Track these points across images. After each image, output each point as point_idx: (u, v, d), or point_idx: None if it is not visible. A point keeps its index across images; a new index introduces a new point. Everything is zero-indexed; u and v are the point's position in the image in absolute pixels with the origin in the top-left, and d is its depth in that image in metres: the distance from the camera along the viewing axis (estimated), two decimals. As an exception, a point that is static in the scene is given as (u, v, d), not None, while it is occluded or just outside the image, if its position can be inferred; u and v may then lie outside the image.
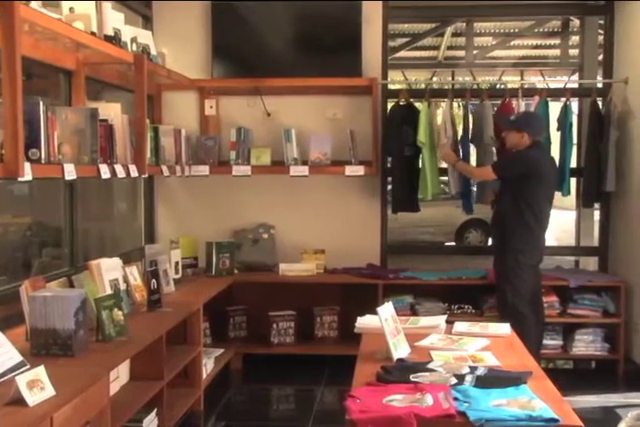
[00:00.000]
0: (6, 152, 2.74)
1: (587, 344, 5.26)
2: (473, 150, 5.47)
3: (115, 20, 3.93)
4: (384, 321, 2.87)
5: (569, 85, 5.89)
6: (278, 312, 5.35)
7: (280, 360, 5.31)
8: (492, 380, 2.51)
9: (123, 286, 3.87)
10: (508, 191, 4.83)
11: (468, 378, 2.52)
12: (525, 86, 5.56)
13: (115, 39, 3.87)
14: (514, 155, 4.86)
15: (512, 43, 11.11)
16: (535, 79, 11.31)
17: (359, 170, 5.25)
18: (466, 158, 5.33)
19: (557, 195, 5.35)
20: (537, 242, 4.85)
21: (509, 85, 5.68)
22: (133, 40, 4.28)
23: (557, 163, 5.33)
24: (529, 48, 11.60)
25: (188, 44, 5.59)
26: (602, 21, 5.97)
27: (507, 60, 12.17)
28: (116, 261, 3.90)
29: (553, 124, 5.33)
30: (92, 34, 3.63)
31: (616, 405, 4.57)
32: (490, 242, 5.09)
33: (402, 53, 10.79)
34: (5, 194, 4.05)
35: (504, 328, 3.39)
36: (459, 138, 5.39)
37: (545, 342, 5.21)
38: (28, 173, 2.83)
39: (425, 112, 5.31)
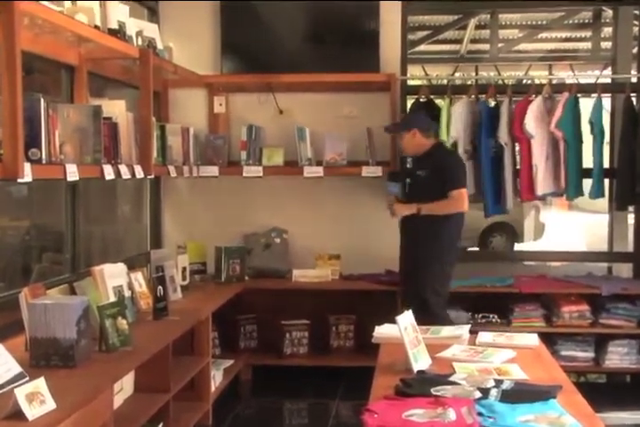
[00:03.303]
0: (5, 152, 2.76)
1: (621, 357, 5.21)
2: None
3: (119, 12, 3.95)
4: (403, 331, 2.86)
5: (600, 80, 5.86)
6: (291, 321, 5.35)
7: (293, 372, 5.31)
8: (519, 394, 2.49)
9: (127, 294, 3.88)
10: (432, 195, 4.65)
11: (493, 392, 2.50)
12: (554, 82, 5.53)
13: (119, 33, 3.89)
14: (446, 161, 4.76)
15: (540, 35, 11.05)
16: (564, 74, 11.25)
17: (377, 171, 5.25)
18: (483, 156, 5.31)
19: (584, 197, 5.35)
20: (457, 250, 4.82)
21: (537, 81, 5.65)
22: (139, 34, 4.29)
23: (589, 163, 5.31)
24: (558, 41, 11.53)
25: (197, 38, 5.61)
26: (637, 11, 5.94)
27: (534, 53, 12.10)
28: (120, 267, 3.92)
29: (584, 122, 5.31)
30: (96, 27, 3.65)
31: (652, 422, 4.54)
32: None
33: (422, 47, 10.77)
34: (3, 196, 4.08)
35: (532, 339, 3.37)
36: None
37: (576, 353, 5.19)
38: (28, 174, 2.85)
39: (446, 109, 5.30)
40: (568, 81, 5.83)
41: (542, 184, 5.27)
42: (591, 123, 5.28)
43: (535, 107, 5.26)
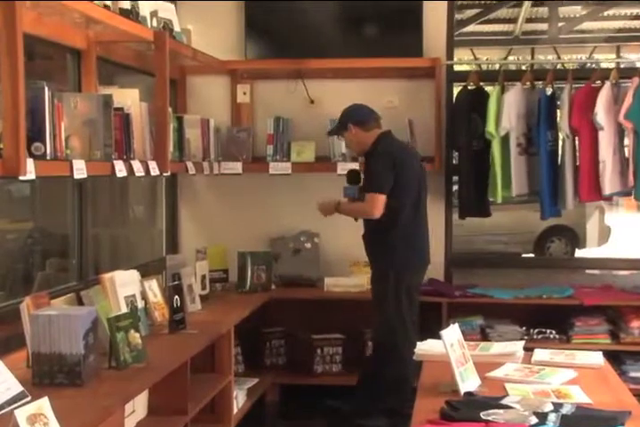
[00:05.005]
0: (6, 147, 2.78)
1: (696, 377, 5.15)
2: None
3: (132, -9, 3.98)
4: (449, 347, 2.86)
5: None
6: (323, 335, 5.37)
7: (324, 392, 5.30)
8: (581, 420, 2.47)
9: (140, 304, 3.90)
10: None
11: (552, 417, 2.49)
12: (622, 65, 5.47)
13: (132, 13, 3.91)
14: (370, 160, 4.72)
15: (606, 13, 10.96)
16: (634, 57, 11.13)
17: (420, 167, 5.23)
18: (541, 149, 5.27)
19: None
20: (413, 257, 4.74)
21: (602, 65, 5.59)
22: (153, 15, 4.32)
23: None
24: (626, 19, 11.42)
25: (218, 20, 5.63)
26: None
27: (599, 33, 12.00)
28: (132, 275, 3.94)
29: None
30: (105, 7, 3.67)
31: None
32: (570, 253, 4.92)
33: (471, 28, 10.74)
34: (3, 195, 4.12)
35: (595, 358, 3.34)
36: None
37: (641, 374, 5.14)
38: (30, 171, 2.87)
39: (496, 97, 5.25)
40: (638, 64, 5.76)
41: (610, 183, 5.20)
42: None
43: (604, 94, 5.20)
